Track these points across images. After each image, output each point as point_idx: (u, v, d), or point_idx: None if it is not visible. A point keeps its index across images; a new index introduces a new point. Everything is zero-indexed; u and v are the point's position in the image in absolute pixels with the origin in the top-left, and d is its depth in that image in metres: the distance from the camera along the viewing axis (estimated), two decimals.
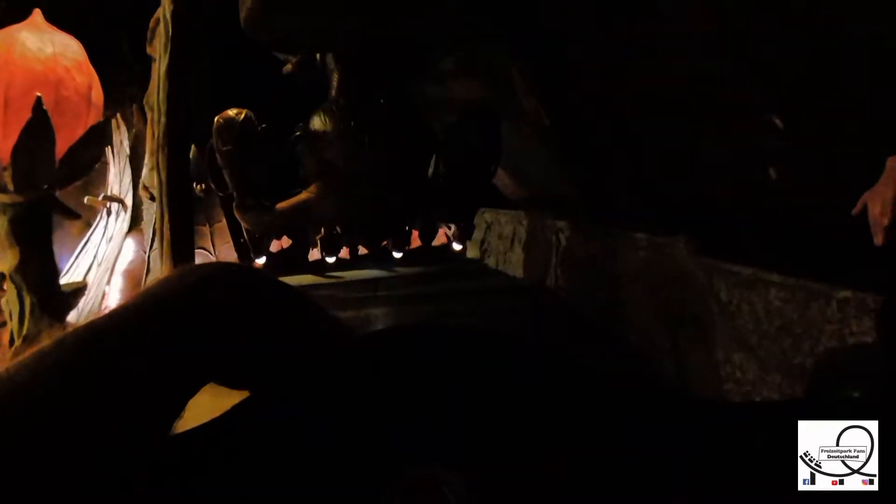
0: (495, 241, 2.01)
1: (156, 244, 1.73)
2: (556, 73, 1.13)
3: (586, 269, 1.36)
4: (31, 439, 0.23)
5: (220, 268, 0.34)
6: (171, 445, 0.28)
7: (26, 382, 0.25)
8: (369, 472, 0.30)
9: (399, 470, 0.30)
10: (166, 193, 1.35)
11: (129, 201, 2.15)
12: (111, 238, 1.99)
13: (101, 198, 2.09)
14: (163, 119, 1.38)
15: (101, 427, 0.25)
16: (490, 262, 2.04)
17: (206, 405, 0.31)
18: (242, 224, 1.35)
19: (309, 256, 1.47)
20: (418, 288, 1.63)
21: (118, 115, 2.05)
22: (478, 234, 2.12)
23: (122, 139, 2.13)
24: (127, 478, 0.25)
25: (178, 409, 0.29)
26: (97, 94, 1.81)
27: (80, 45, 1.78)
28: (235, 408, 0.31)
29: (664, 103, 0.97)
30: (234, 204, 1.32)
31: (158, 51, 1.42)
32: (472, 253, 2.17)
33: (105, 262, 2.02)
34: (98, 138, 1.78)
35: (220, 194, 1.43)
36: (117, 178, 2.04)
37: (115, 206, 2.05)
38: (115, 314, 0.29)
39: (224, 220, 2.09)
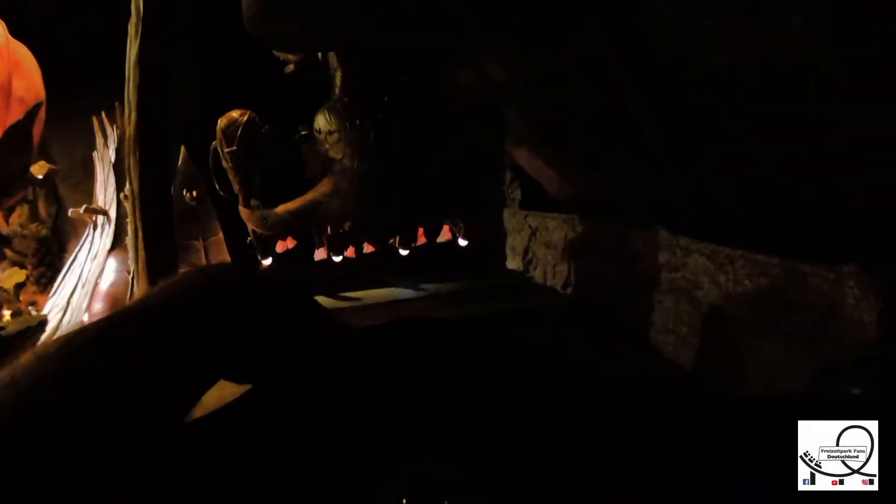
0: (542, 250, 2.11)
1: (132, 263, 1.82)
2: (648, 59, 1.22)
3: (663, 290, 1.43)
4: (46, 436, 0.29)
5: (224, 269, 0.45)
6: (181, 435, 0.36)
7: (33, 385, 0.31)
8: (368, 465, 0.38)
9: (399, 463, 0.38)
10: (139, 203, 1.42)
11: (113, 213, 2.39)
12: (96, 256, 2.20)
13: (83, 210, 2.36)
14: (133, 115, 1.44)
15: (112, 424, 0.32)
16: (536, 274, 2.15)
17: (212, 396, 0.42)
18: (248, 225, 1.59)
19: (315, 256, 1.73)
20: (448, 311, 1.76)
21: (103, 114, 2.25)
22: (519, 242, 2.25)
23: (105, 142, 2.40)
24: (140, 468, 0.32)
25: (188, 405, 0.37)
26: (26, 87, 1.76)
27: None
28: (237, 400, 0.40)
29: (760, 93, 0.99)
30: (239, 205, 1.57)
31: (129, 35, 1.48)
32: (513, 263, 2.29)
33: (88, 283, 2.26)
34: (20, 142, 1.75)
35: (223, 194, 1.64)
36: (102, 186, 2.29)
37: (101, 219, 2.31)
38: (125, 315, 0.37)
39: (220, 234, 2.29)
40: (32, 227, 2.69)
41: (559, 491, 0.40)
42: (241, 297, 0.42)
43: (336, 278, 1.95)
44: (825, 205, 0.99)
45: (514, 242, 2.34)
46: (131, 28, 1.48)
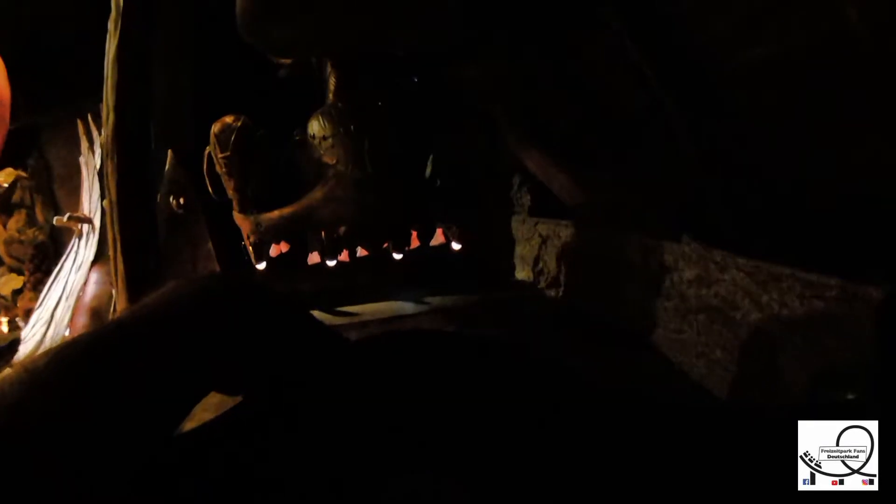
0: (554, 260, 2.12)
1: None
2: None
3: (693, 308, 1.42)
4: (37, 447, 0.32)
5: (219, 279, 0.49)
6: (173, 446, 0.40)
7: (23, 396, 0.33)
8: (362, 475, 0.41)
9: (392, 474, 0.41)
10: (117, 212, 1.46)
11: (98, 222, 2.45)
12: (80, 267, 2.28)
13: (66, 218, 2.43)
14: (111, 117, 1.48)
15: (103, 435, 0.34)
16: (547, 286, 2.15)
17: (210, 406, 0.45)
18: (242, 230, 1.70)
19: (308, 260, 1.86)
20: (451, 328, 1.80)
21: (89, 117, 2.34)
22: (528, 251, 2.27)
23: (91, 146, 2.47)
24: (131, 477, 0.35)
25: (180, 417, 0.41)
26: None
27: None
28: (230, 412, 0.44)
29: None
30: (233, 210, 1.68)
31: (109, 31, 1.54)
32: (522, 273, 2.31)
33: (71, 295, 2.32)
34: None
35: (217, 199, 1.73)
36: (87, 193, 2.37)
37: (86, 228, 2.37)
38: (116, 326, 0.41)
39: (210, 243, 2.35)
40: (30, 232, 2.79)
41: (559, 492, 0.42)
42: (233, 307, 0.46)
43: (332, 291, 2.00)
44: (882, 216, 0.99)
45: (523, 251, 2.35)
46: (111, 24, 1.53)
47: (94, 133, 2.41)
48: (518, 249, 2.37)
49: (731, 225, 1.36)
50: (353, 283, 2.01)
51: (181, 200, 2.16)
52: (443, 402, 0.45)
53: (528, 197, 2.29)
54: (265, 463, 0.41)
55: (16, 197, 2.85)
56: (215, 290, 0.46)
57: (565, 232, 2.06)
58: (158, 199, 1.98)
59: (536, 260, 2.22)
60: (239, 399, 0.45)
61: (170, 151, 2.10)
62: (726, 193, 1.33)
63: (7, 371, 0.37)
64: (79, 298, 2.43)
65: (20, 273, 2.74)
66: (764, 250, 1.21)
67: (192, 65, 1.94)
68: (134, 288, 1.46)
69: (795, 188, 1.16)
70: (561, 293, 2.07)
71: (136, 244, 1.49)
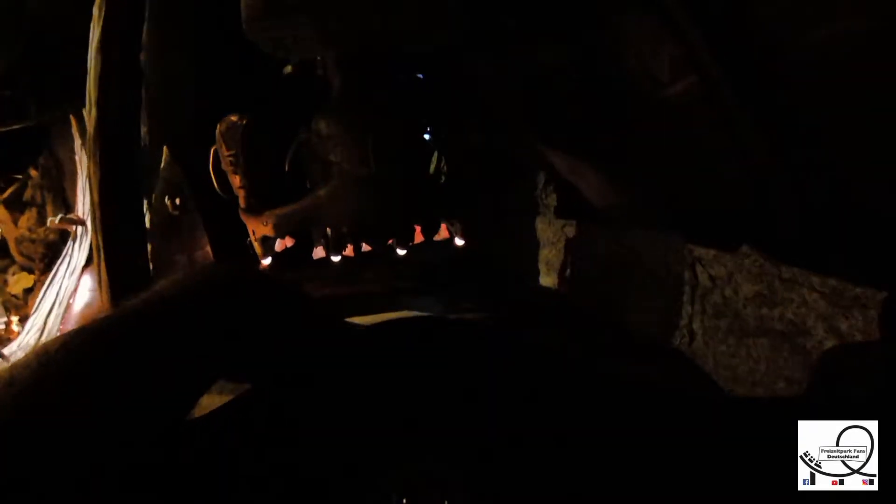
0: (584, 267, 2.09)
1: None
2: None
3: (751, 331, 1.34)
4: (46, 437, 0.35)
5: (225, 269, 0.54)
6: (182, 434, 0.44)
7: (33, 385, 0.36)
8: (366, 464, 0.45)
9: (397, 463, 0.46)
10: (99, 215, 1.46)
11: (90, 224, 2.55)
12: (74, 271, 2.38)
13: (58, 220, 2.54)
14: (93, 111, 1.47)
15: (112, 424, 0.37)
16: (575, 295, 2.14)
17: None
18: (248, 226, 1.84)
19: (314, 255, 1.99)
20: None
21: (84, 112, 2.47)
22: (554, 255, 2.26)
23: (84, 144, 2.57)
24: (139, 467, 0.39)
25: (189, 404, 0.45)
26: None
27: None
28: (236, 400, 0.48)
29: None
30: (239, 207, 1.82)
31: (93, 17, 1.55)
32: (547, 279, 2.31)
33: (63, 301, 2.41)
34: None
35: (224, 196, 1.86)
36: (81, 193, 2.47)
37: (80, 230, 2.47)
38: (124, 314, 0.44)
39: (207, 247, 2.42)
40: (40, 231, 2.93)
41: (558, 491, 0.48)
42: (241, 295, 0.50)
43: (344, 304, 2.07)
44: None
45: (549, 255, 2.35)
46: (95, 9, 1.53)
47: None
48: (543, 253, 2.36)
49: (801, 234, 1.26)
50: (361, 281, 2.11)
51: (176, 201, 2.21)
52: (448, 392, 0.50)
53: (554, 197, 2.28)
54: (269, 452, 0.46)
55: (27, 195, 2.99)
56: (225, 278, 0.51)
57: (596, 235, 2.02)
58: (153, 200, 2.10)
59: (563, 265, 2.22)
60: (246, 387, 0.51)
61: (165, 149, 2.17)
62: (795, 196, 1.22)
63: (27, 356, 0.42)
64: (69, 305, 2.49)
65: (31, 272, 2.87)
66: (840, 267, 1.12)
67: (190, 57, 2.03)
68: (118, 295, 1.47)
69: (879, 192, 1.09)
70: (591, 302, 2.04)
71: (118, 252, 1.50)
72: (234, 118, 1.74)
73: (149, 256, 1.85)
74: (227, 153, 1.74)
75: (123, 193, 1.53)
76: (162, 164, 2.20)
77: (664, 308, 1.67)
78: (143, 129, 2.07)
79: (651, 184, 1.76)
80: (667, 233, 1.67)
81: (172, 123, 2.14)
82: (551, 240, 2.34)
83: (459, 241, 2.02)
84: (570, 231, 2.21)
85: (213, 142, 1.81)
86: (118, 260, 1.48)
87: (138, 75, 1.66)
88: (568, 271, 2.24)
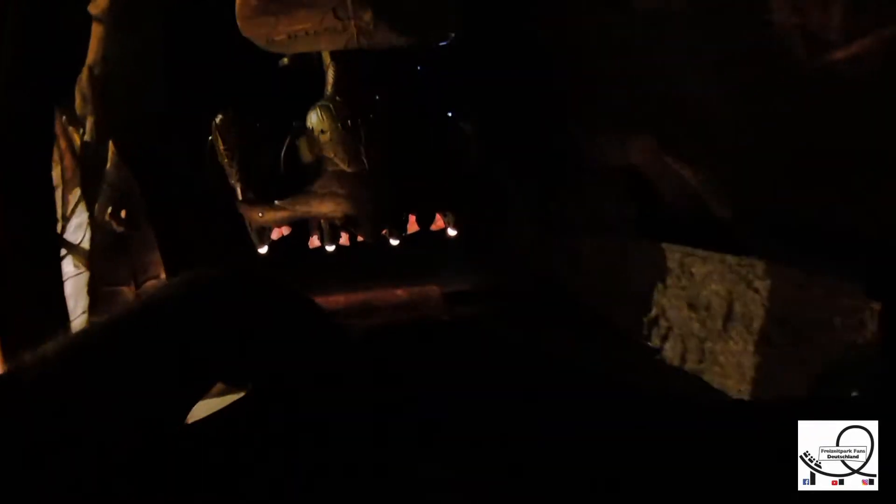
0: (682, 311, 1.50)
1: None
2: None
3: None
4: (48, 435, 0.35)
5: (225, 272, 0.54)
6: (177, 438, 0.43)
7: (35, 384, 0.37)
8: (366, 467, 0.45)
9: (396, 467, 0.45)
10: None
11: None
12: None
13: None
14: None
15: (112, 424, 0.38)
16: (671, 353, 1.55)
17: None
18: (246, 217, 1.91)
19: (309, 244, 2.11)
20: None
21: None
22: (675, 300, 1.60)
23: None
24: (132, 469, 0.39)
25: (187, 407, 0.45)
26: None
27: None
28: (235, 403, 0.47)
29: None
30: (236, 199, 1.88)
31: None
32: (659, 341, 1.69)
33: None
34: None
35: (233, 191, 1.91)
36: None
37: None
38: (125, 316, 0.45)
39: (162, 274, 1.95)
40: None
41: (558, 490, 0.47)
42: (241, 299, 0.50)
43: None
44: None
45: (663, 300, 1.72)
46: None
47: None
48: (655, 296, 1.65)
49: None
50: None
51: (122, 214, 1.82)
52: (450, 395, 0.49)
53: (634, 207, 1.78)
54: (267, 457, 0.45)
55: None
56: (224, 282, 0.51)
57: (704, 268, 1.41)
58: (95, 213, 1.83)
59: (650, 305, 1.65)
60: (243, 392, 0.49)
61: (111, 144, 1.84)
62: None
63: (29, 355, 0.41)
64: None
65: None
66: None
67: (156, 34, 1.99)
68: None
69: None
70: (697, 368, 1.43)
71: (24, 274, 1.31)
72: (229, 111, 1.80)
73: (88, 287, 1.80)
74: (223, 146, 1.80)
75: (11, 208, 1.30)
76: (108, 165, 1.84)
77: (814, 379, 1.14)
78: (89, 121, 1.87)
79: (790, 196, 1.34)
80: (819, 266, 1.17)
81: (127, 111, 1.89)
82: (659, 273, 1.73)
83: (452, 232, 2.10)
84: (663, 259, 1.71)
85: (183, 137, 1.91)
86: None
87: (49, 63, 1.58)
88: (655, 313, 1.75)
